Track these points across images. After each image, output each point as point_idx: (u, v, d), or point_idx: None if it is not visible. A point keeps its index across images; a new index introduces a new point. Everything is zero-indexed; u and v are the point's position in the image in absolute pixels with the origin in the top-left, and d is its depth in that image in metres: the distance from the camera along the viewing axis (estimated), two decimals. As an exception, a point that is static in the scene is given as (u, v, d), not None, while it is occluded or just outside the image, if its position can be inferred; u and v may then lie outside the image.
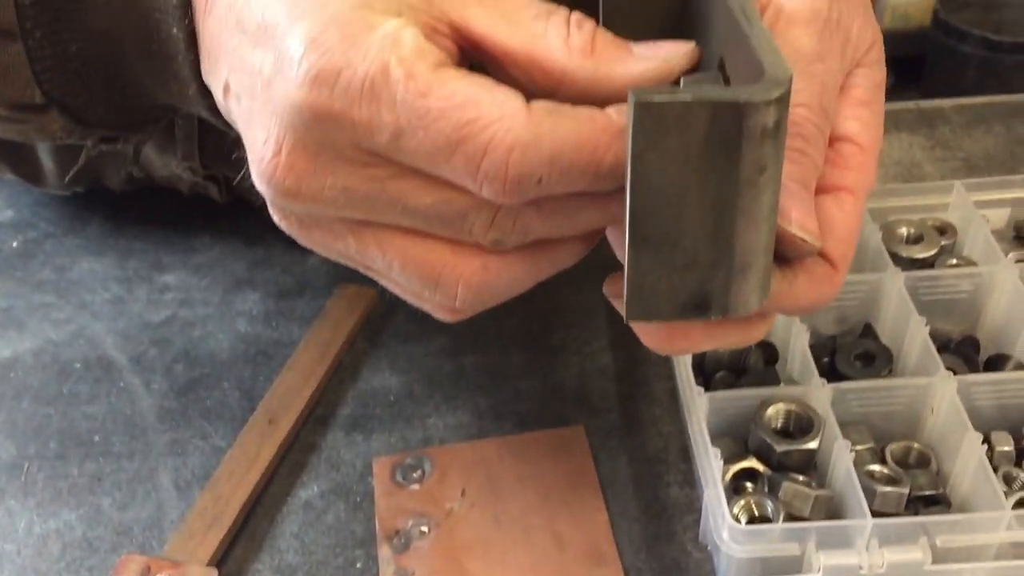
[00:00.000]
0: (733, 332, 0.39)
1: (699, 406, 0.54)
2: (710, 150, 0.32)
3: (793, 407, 0.55)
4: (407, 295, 0.41)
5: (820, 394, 0.54)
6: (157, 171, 0.70)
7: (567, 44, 0.36)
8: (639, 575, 0.54)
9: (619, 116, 0.35)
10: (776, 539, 0.49)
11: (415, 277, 0.39)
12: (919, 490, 0.53)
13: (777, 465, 0.54)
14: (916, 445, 0.56)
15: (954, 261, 0.64)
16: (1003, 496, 0.50)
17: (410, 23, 0.35)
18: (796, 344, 0.59)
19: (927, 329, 0.57)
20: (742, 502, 0.52)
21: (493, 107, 0.34)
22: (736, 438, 0.56)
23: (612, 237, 0.41)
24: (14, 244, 0.76)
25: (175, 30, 0.39)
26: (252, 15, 0.36)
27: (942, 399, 0.55)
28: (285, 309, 0.70)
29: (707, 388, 0.56)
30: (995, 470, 0.53)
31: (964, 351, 0.60)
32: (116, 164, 0.70)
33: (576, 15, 0.37)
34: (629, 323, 0.37)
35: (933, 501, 0.54)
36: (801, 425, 0.55)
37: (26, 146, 0.70)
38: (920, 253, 0.63)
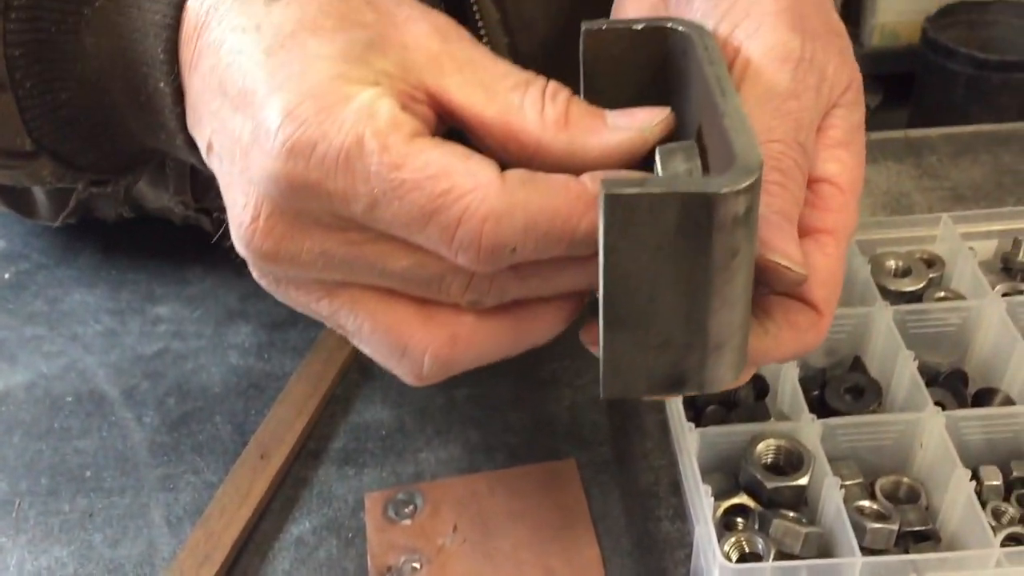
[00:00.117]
0: None
1: (690, 442, 0.54)
2: (681, 239, 0.33)
3: (783, 443, 0.55)
4: (376, 358, 0.42)
5: (810, 430, 0.55)
6: (149, 203, 0.71)
7: (542, 117, 0.36)
8: (631, 611, 0.54)
9: (594, 184, 0.35)
10: (767, 577, 0.49)
11: (383, 343, 0.39)
12: (909, 526, 0.54)
13: (768, 501, 0.54)
14: (906, 479, 0.57)
15: (942, 294, 0.64)
16: (992, 532, 0.50)
17: (386, 93, 0.35)
18: (786, 378, 0.59)
19: (915, 364, 0.57)
20: (733, 539, 0.53)
21: (467, 177, 0.34)
22: (727, 473, 0.56)
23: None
24: (6, 275, 0.76)
25: (162, 84, 0.40)
26: (233, 79, 0.36)
27: (931, 434, 0.55)
28: (277, 341, 0.70)
29: (698, 421, 0.56)
30: (984, 504, 0.54)
31: (952, 384, 0.60)
32: (108, 201, 0.70)
33: (552, 85, 0.38)
34: (604, 399, 0.38)
35: (923, 537, 0.54)
36: (791, 461, 0.55)
37: (19, 180, 0.70)
38: (908, 286, 0.63)
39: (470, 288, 0.37)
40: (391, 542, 0.57)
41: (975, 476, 0.55)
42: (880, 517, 0.53)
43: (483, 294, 0.38)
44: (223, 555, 0.56)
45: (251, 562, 0.57)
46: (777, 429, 0.56)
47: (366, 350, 0.41)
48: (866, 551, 0.50)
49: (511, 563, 0.56)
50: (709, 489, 0.52)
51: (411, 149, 0.35)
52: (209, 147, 0.39)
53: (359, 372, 0.67)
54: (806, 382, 0.60)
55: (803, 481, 0.54)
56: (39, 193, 0.71)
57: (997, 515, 0.54)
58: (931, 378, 0.61)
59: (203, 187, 0.68)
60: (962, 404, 0.59)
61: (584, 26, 0.40)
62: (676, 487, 0.59)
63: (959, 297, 0.64)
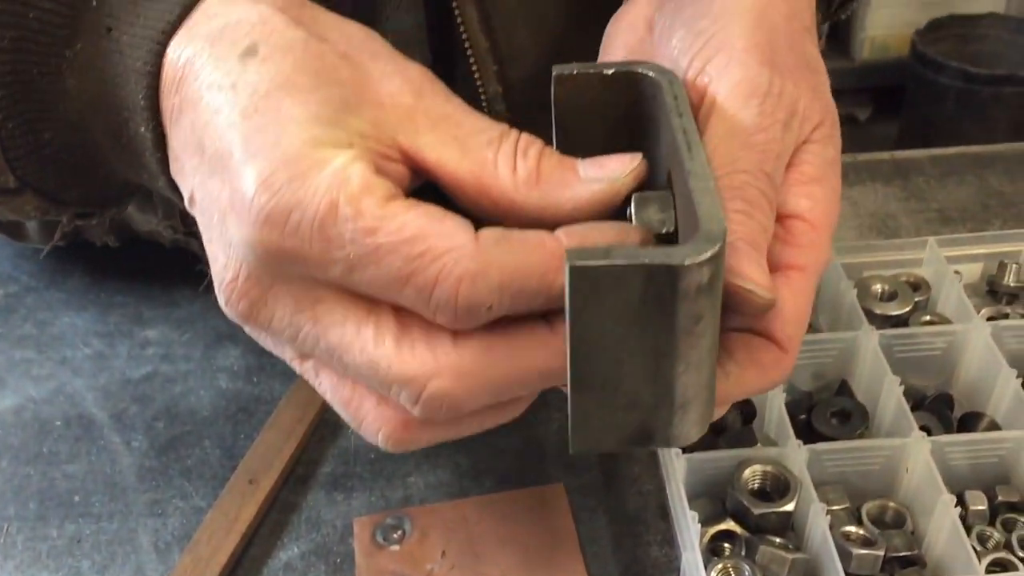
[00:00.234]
0: None
1: (677, 468, 0.55)
2: (646, 307, 0.33)
3: (770, 468, 0.55)
4: (341, 416, 0.42)
5: (796, 455, 0.55)
6: (138, 227, 0.71)
7: (514, 175, 0.37)
8: (618, 638, 0.54)
9: (570, 239, 0.36)
10: (753, 605, 0.50)
11: (342, 413, 0.41)
12: (895, 551, 0.54)
13: (754, 527, 0.54)
14: (892, 504, 0.57)
15: (928, 318, 0.65)
16: (976, 558, 0.51)
17: (359, 156, 0.36)
18: (773, 402, 0.59)
19: (901, 389, 0.58)
20: (720, 565, 0.53)
21: (441, 239, 0.35)
22: (714, 498, 0.57)
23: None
24: (-5, 298, 0.76)
25: (143, 129, 0.40)
26: (211, 140, 0.37)
27: (916, 460, 0.55)
28: (266, 364, 0.70)
29: (685, 447, 0.56)
30: (969, 530, 0.54)
31: (938, 408, 0.61)
32: (96, 229, 0.70)
33: (524, 140, 0.38)
34: (572, 453, 0.38)
35: (908, 562, 0.54)
36: (778, 487, 0.55)
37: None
38: (894, 310, 0.64)
39: (419, 404, 0.37)
40: (379, 568, 0.57)
41: (960, 501, 0.55)
42: (866, 543, 0.53)
43: (432, 412, 0.38)
44: (211, 582, 0.56)
45: (239, 589, 0.57)
46: (764, 455, 0.56)
47: (333, 407, 0.42)
48: (852, 578, 0.50)
49: (499, 589, 0.56)
50: (696, 516, 0.52)
51: (385, 213, 0.35)
52: (191, 199, 0.39)
53: (348, 395, 0.67)
54: (793, 406, 0.60)
55: (789, 507, 0.54)
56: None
57: (982, 540, 0.55)
58: (917, 402, 0.61)
59: (192, 212, 0.68)
60: (948, 428, 0.60)
61: (555, 71, 0.41)
62: (664, 512, 0.60)
63: (945, 321, 0.64)
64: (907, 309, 0.64)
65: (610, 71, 0.40)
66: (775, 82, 0.41)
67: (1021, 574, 0.52)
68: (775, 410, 0.59)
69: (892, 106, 2.36)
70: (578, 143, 0.39)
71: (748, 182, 0.39)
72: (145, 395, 0.68)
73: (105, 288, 0.76)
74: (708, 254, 0.32)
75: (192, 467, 0.64)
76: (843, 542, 0.53)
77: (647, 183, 0.39)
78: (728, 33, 0.42)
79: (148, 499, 0.62)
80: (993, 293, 0.68)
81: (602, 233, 0.36)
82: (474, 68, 0.59)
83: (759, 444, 0.58)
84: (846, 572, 0.50)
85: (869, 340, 0.60)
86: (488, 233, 0.36)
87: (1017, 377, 0.58)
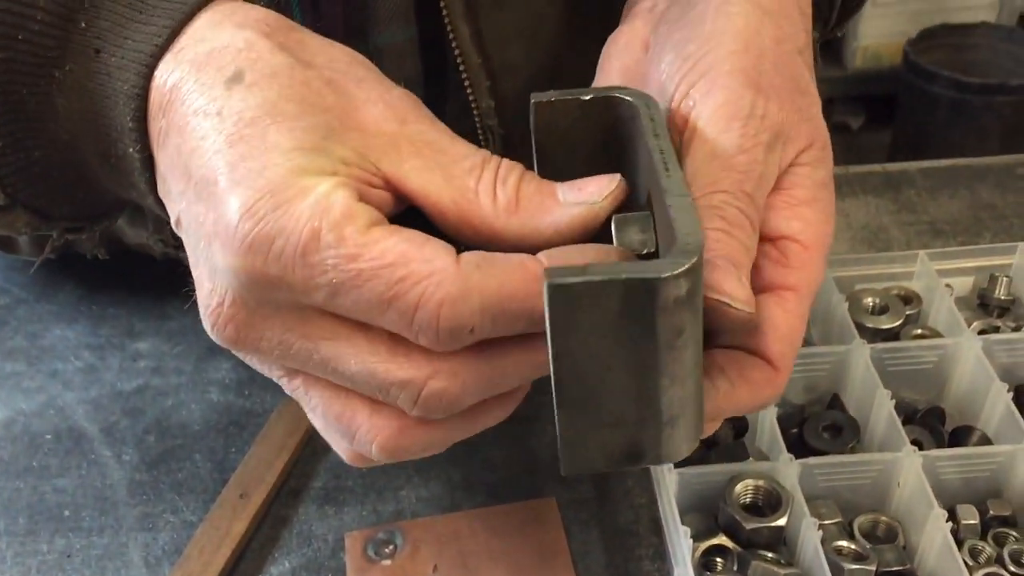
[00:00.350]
0: None
1: (669, 483, 0.55)
2: (626, 322, 0.33)
3: (761, 483, 0.55)
4: (326, 436, 0.43)
5: (788, 470, 0.55)
6: (129, 240, 0.71)
7: (495, 203, 0.37)
8: (610, 653, 0.54)
9: (551, 261, 0.36)
10: (745, 620, 0.50)
11: (333, 427, 0.41)
12: (886, 566, 0.54)
13: (746, 542, 0.54)
14: (884, 518, 0.57)
15: (919, 331, 0.65)
16: (968, 573, 0.51)
17: (342, 183, 0.36)
18: (765, 417, 0.59)
19: (892, 403, 0.58)
20: (711, 581, 0.53)
21: (423, 264, 0.35)
22: (706, 513, 0.57)
23: None
24: (-15, 310, 0.76)
25: (131, 151, 0.40)
26: (197, 166, 0.37)
27: (908, 474, 0.55)
28: (258, 377, 0.68)
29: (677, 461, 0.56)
30: (961, 544, 0.54)
31: (930, 422, 0.61)
32: (87, 243, 0.70)
33: (504, 167, 0.38)
34: (565, 475, 0.38)
35: (900, 577, 0.54)
36: (770, 501, 0.55)
37: None
38: (886, 324, 0.64)
39: (418, 404, 0.38)
40: (371, 583, 0.57)
41: (952, 515, 0.55)
42: (858, 558, 0.53)
43: (431, 411, 0.38)
44: (202, 597, 0.56)
45: (230, 604, 0.57)
46: (755, 469, 0.56)
47: (318, 427, 0.42)
48: (844, 593, 0.50)
49: (491, 604, 0.56)
50: (688, 531, 0.52)
51: (367, 239, 0.35)
52: (178, 222, 0.39)
53: (340, 408, 0.67)
54: (785, 420, 0.60)
55: (781, 522, 0.54)
56: (20, 230, 0.71)
57: (974, 554, 0.55)
58: (909, 415, 0.61)
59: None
60: (939, 442, 0.60)
61: (533, 99, 0.41)
62: (657, 525, 0.59)
63: (936, 335, 0.64)
64: (898, 322, 0.64)
65: (587, 97, 0.41)
66: (758, 104, 0.41)
67: (1012, 589, 0.52)
68: (767, 424, 0.59)
69: (885, 115, 2.37)
70: (559, 168, 0.40)
71: (727, 201, 0.39)
72: (136, 408, 0.68)
73: (96, 301, 0.76)
74: (685, 266, 0.32)
75: (183, 481, 0.63)
76: (835, 557, 0.53)
77: (628, 204, 0.39)
78: (714, 57, 0.42)
79: (139, 513, 0.62)
80: (984, 306, 0.68)
81: (583, 255, 0.36)
82: (466, 83, 0.59)
83: (751, 458, 0.58)
84: (838, 587, 0.50)
85: (861, 354, 0.61)
86: (469, 257, 0.36)
87: (1008, 391, 0.58)
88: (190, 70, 0.38)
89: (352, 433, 0.40)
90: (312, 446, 0.65)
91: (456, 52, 0.58)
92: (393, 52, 0.60)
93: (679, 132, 0.42)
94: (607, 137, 0.41)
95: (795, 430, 0.61)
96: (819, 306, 0.65)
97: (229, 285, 0.37)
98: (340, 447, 0.42)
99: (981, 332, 0.63)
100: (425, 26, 0.60)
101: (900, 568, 0.54)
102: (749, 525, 0.54)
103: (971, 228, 0.78)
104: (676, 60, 0.43)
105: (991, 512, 0.57)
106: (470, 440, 0.64)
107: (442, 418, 0.39)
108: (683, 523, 0.53)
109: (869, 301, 0.65)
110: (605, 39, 0.50)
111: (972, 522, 0.56)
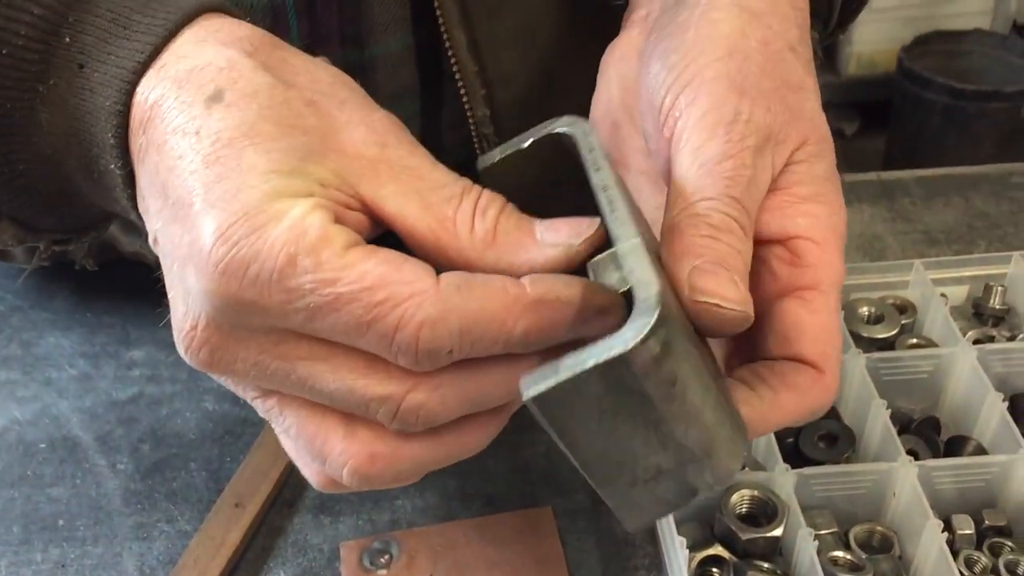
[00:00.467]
0: None
1: (665, 493, 0.55)
2: (614, 397, 0.33)
3: (757, 493, 0.55)
4: (296, 460, 0.42)
5: (784, 480, 0.55)
6: (124, 248, 0.70)
7: (472, 235, 0.37)
8: (606, 664, 0.54)
9: (534, 287, 0.36)
10: (741, 631, 0.50)
11: (306, 449, 0.40)
12: (882, 576, 0.54)
13: (742, 552, 0.54)
14: (879, 528, 0.57)
15: (914, 340, 0.65)
16: (963, 585, 0.51)
17: (319, 205, 0.36)
18: (760, 426, 0.59)
19: (888, 413, 0.58)
20: (708, 591, 0.53)
21: (402, 286, 0.35)
22: (702, 522, 0.57)
23: None
24: (-21, 318, 0.76)
25: (112, 167, 0.40)
26: (174, 186, 0.37)
27: (903, 484, 0.56)
28: (253, 386, 0.70)
29: (673, 471, 0.56)
30: (956, 554, 0.54)
31: (925, 432, 0.61)
32: (76, 252, 0.70)
33: (484, 198, 0.38)
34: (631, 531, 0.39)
35: (896, 587, 0.54)
36: (766, 511, 0.55)
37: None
38: (881, 333, 0.64)
39: (397, 418, 0.38)
40: (366, 593, 0.57)
41: (947, 525, 0.55)
42: (854, 568, 0.54)
43: (409, 424, 0.38)
44: (196, 607, 0.56)
45: (225, 614, 0.57)
46: (751, 479, 0.56)
47: (289, 450, 0.42)
48: (840, 604, 0.50)
49: (487, 614, 0.56)
50: (684, 541, 0.52)
51: (345, 262, 0.35)
52: (155, 241, 0.39)
53: (335, 417, 0.67)
54: (780, 429, 0.60)
55: (777, 532, 0.54)
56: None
57: (969, 564, 0.55)
58: (904, 425, 0.62)
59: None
60: (935, 452, 0.60)
61: (479, 166, 0.41)
62: (653, 535, 0.59)
63: (931, 344, 0.64)
64: (894, 332, 0.64)
65: (527, 144, 0.41)
66: (743, 109, 0.41)
67: (1008, 599, 0.52)
68: (763, 433, 0.59)
69: (879, 121, 2.38)
70: (533, 210, 0.39)
71: (714, 207, 0.39)
72: (131, 417, 0.68)
73: (91, 308, 0.76)
74: (648, 327, 0.32)
75: (178, 490, 0.63)
76: (831, 567, 0.53)
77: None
78: (697, 65, 0.42)
79: (133, 522, 0.61)
80: (979, 315, 0.68)
81: (568, 286, 0.36)
82: (462, 91, 0.59)
83: (747, 468, 0.58)
84: (834, 597, 0.50)
85: (856, 363, 0.61)
86: (450, 278, 0.36)
87: (1003, 401, 0.59)
88: (171, 87, 0.37)
89: (324, 456, 0.39)
90: (307, 455, 0.65)
91: (452, 61, 0.58)
92: (389, 61, 0.60)
93: (667, 141, 0.42)
94: (568, 165, 0.41)
95: (791, 440, 0.61)
96: (815, 315, 0.65)
97: (203, 308, 0.37)
98: (310, 470, 0.42)
99: (976, 342, 0.64)
100: (421, 35, 0.60)
101: (896, 578, 0.54)
102: (745, 535, 0.54)
103: (966, 237, 0.78)
104: (662, 71, 0.43)
105: (986, 522, 0.57)
106: (466, 449, 0.65)
107: (420, 433, 0.38)
108: (679, 533, 0.53)
109: (864, 310, 0.65)
110: (601, 47, 0.50)
111: (968, 532, 0.56)
